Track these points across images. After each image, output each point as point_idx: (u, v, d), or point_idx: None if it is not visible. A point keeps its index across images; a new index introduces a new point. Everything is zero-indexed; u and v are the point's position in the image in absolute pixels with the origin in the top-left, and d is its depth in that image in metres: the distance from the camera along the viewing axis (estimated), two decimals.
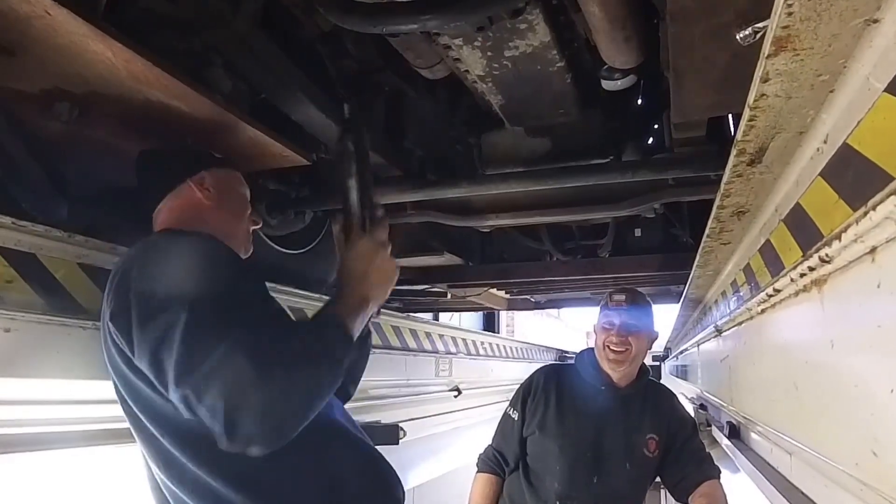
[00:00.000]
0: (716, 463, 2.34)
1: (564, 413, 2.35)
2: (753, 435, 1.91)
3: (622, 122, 2.36)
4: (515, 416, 2.39)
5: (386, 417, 2.58)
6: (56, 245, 1.59)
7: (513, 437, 2.38)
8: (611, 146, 2.37)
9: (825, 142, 0.96)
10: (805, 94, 0.88)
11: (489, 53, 1.98)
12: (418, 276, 3.41)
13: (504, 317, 9.83)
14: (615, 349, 2.28)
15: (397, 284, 3.56)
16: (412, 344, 2.89)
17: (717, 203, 1.36)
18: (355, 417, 2.69)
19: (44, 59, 1.51)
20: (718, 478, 2.27)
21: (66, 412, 1.57)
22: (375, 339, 2.75)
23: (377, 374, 2.62)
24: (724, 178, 1.24)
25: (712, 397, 1.90)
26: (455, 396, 3.32)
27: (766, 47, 0.78)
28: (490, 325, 9.15)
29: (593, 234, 3.26)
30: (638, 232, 3.12)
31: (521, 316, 8.90)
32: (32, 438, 1.51)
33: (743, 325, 1.39)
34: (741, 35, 0.97)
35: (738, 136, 1.04)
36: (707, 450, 2.39)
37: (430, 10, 1.64)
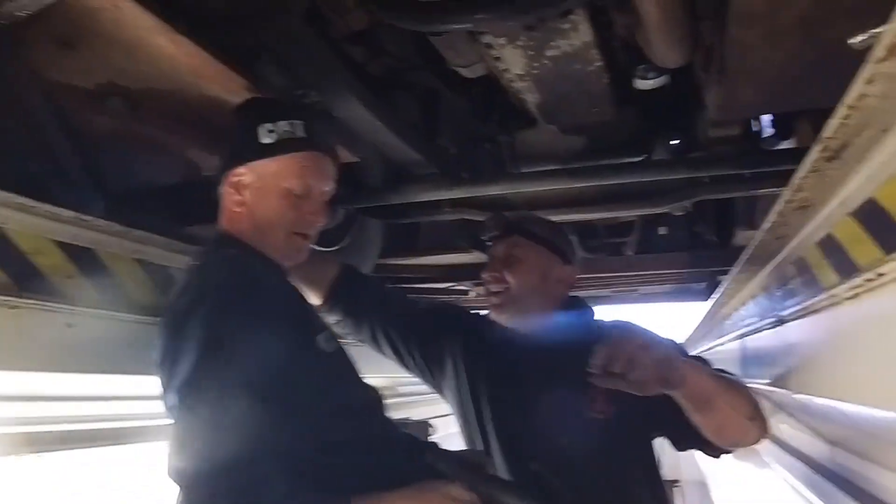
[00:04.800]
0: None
1: None
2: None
3: (654, 120, 2.39)
4: None
5: (415, 415, 2.60)
6: (114, 240, 1.59)
7: None
8: (642, 143, 2.40)
9: None
10: None
11: (531, 53, 2.00)
12: (445, 273, 3.43)
13: None
14: (492, 289, 1.77)
15: (422, 282, 3.61)
16: None
17: (785, 198, 1.38)
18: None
19: (103, 53, 1.51)
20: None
21: (127, 408, 1.57)
22: None
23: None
24: (800, 174, 1.26)
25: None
26: None
27: (878, 52, 0.81)
28: None
29: (618, 231, 3.29)
30: (663, 230, 3.16)
31: None
32: (97, 434, 1.51)
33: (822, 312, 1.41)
34: (856, 41, 1.00)
35: (828, 133, 1.06)
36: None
37: (484, 9, 1.66)
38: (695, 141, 2.29)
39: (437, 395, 2.00)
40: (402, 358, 1.94)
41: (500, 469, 1.69)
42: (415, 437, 1.52)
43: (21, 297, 1.32)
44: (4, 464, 1.39)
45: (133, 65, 1.56)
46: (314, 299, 1.81)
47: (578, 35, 1.92)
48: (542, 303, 1.78)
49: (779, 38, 1.42)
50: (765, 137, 2.23)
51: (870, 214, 1.18)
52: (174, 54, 1.51)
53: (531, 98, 2.25)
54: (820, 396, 1.50)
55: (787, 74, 1.56)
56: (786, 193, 1.36)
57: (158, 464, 1.16)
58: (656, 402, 1.38)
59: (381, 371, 2.54)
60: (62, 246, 1.47)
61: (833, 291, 1.29)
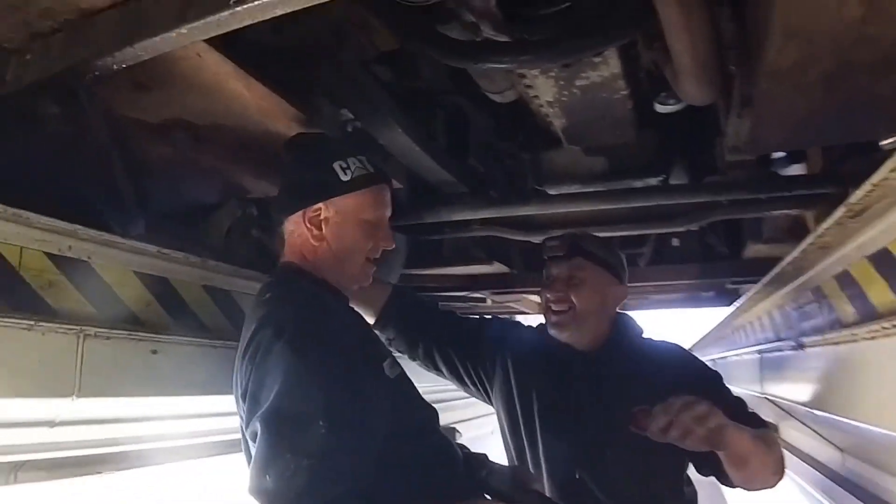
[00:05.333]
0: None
1: None
2: None
3: (672, 143, 2.52)
4: None
5: (441, 420, 2.71)
6: (184, 269, 1.69)
7: None
8: (661, 165, 2.52)
9: None
10: None
11: (561, 83, 2.11)
12: (464, 283, 3.54)
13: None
14: (556, 308, 1.86)
15: (443, 291, 3.71)
16: None
17: (808, 241, 1.52)
18: None
19: (175, 94, 1.60)
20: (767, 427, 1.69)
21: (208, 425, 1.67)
22: None
23: (440, 380, 2.74)
24: (824, 225, 1.40)
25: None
26: None
27: None
28: None
29: (633, 243, 3.41)
30: (676, 242, 3.29)
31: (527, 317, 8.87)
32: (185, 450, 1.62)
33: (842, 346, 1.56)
34: (886, 143, 1.14)
35: (852, 199, 1.21)
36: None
37: (530, 52, 1.75)
38: (712, 163, 2.42)
39: (461, 401, 2.11)
40: (458, 374, 2.05)
41: (547, 476, 1.81)
42: (470, 453, 1.64)
43: (112, 328, 1.42)
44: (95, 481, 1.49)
45: (203, 104, 1.65)
46: (367, 319, 1.91)
47: (608, 67, 2.04)
48: (599, 321, 1.89)
49: (804, 90, 1.54)
50: (776, 159, 2.36)
51: (883, 261, 1.33)
52: (246, 96, 1.61)
53: (558, 122, 2.36)
54: (837, 415, 1.65)
55: (809, 120, 1.68)
56: (809, 238, 1.50)
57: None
58: None
59: (417, 381, 2.66)
60: (140, 276, 1.57)
61: (854, 330, 1.43)
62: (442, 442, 1.58)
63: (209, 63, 1.47)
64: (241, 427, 1.40)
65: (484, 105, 2.50)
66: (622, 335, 1.91)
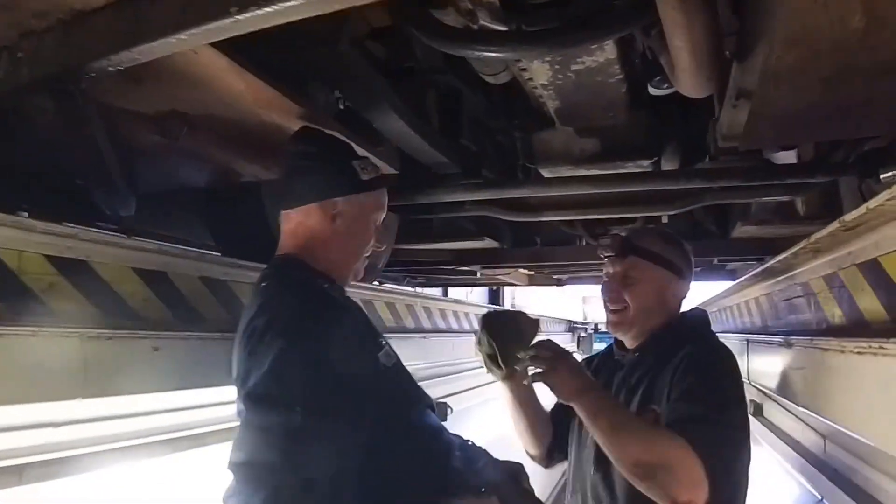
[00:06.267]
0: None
1: None
2: None
3: (665, 126, 2.52)
4: None
5: (433, 395, 2.76)
6: (182, 262, 1.69)
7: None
8: (653, 148, 2.53)
9: None
10: None
11: (556, 67, 2.10)
12: (455, 257, 3.56)
13: (507, 291, 9.72)
14: (611, 307, 1.84)
15: (431, 264, 3.73)
16: (455, 325, 3.07)
17: (800, 246, 1.56)
18: None
19: (169, 87, 1.58)
20: (688, 439, 1.43)
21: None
22: (427, 324, 2.92)
23: (427, 356, 2.79)
24: (818, 235, 1.43)
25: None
26: None
27: None
28: (495, 298, 9.19)
29: (623, 220, 3.43)
30: (665, 219, 3.30)
31: (522, 289, 8.84)
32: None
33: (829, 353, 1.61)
34: (886, 175, 1.17)
35: (848, 218, 1.23)
36: (710, 412, 1.50)
37: (526, 43, 1.73)
38: (703, 149, 2.43)
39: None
40: None
41: (575, 471, 1.85)
42: (467, 444, 1.67)
43: (111, 328, 1.43)
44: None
45: (196, 95, 1.62)
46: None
47: (604, 53, 2.03)
48: (659, 319, 1.82)
49: (802, 90, 1.55)
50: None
51: (873, 271, 1.36)
52: (242, 89, 1.58)
53: (551, 104, 2.35)
54: (821, 416, 1.71)
55: (805, 118, 1.70)
56: (801, 243, 1.53)
57: None
58: None
59: (404, 360, 2.70)
60: (137, 272, 1.57)
61: (844, 342, 1.48)
62: (436, 432, 1.62)
63: (204, 58, 1.45)
64: None
65: (477, 85, 2.48)
66: (672, 331, 1.80)
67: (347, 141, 1.75)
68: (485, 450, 1.67)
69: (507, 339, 1.66)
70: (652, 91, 2.36)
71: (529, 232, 3.64)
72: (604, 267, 1.89)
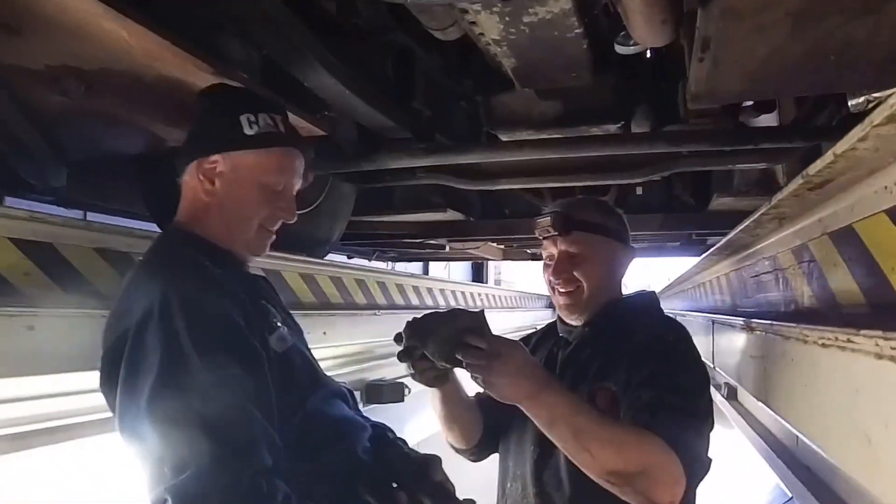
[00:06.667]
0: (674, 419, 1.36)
1: None
2: None
3: (633, 87, 2.33)
4: None
5: (391, 375, 2.63)
6: (74, 233, 1.54)
7: None
8: (621, 111, 2.34)
9: None
10: (892, 148, 0.88)
11: (507, 19, 1.91)
12: (420, 230, 3.39)
13: (492, 266, 9.57)
14: (562, 290, 1.67)
15: (396, 237, 3.58)
16: (415, 301, 2.91)
17: (762, 210, 1.37)
18: (361, 376, 2.76)
19: (51, 38, 1.42)
20: (661, 435, 1.32)
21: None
22: (381, 300, 2.77)
23: (382, 334, 2.64)
24: (780, 196, 1.24)
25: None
26: None
27: (877, 117, 0.77)
28: (479, 274, 9.00)
29: (595, 191, 3.23)
30: (639, 190, 3.11)
31: (508, 264, 8.65)
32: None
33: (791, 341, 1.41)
34: (852, 103, 0.98)
35: (811, 170, 1.05)
36: (672, 398, 1.39)
37: None
38: (674, 111, 2.24)
39: None
40: None
41: (514, 457, 1.68)
42: (384, 435, 1.53)
43: None
44: None
45: (85, 48, 1.47)
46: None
47: (557, 3, 1.84)
48: (611, 292, 1.70)
49: (766, 32, 1.37)
50: (745, 109, 2.17)
51: (847, 242, 1.17)
52: (124, 38, 1.42)
53: (507, 62, 2.16)
54: (780, 416, 1.52)
55: (772, 66, 1.51)
56: (762, 207, 1.34)
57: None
58: None
59: (354, 338, 2.56)
60: (17, 243, 1.43)
61: (806, 331, 1.29)
62: (340, 419, 1.46)
63: (71, 1, 1.28)
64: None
65: (431, 45, 2.31)
66: (624, 303, 1.72)
67: (274, 100, 1.57)
68: (401, 440, 1.53)
69: (436, 345, 1.37)
70: (618, 49, 2.17)
71: (497, 204, 3.45)
72: (543, 249, 1.72)
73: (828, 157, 0.98)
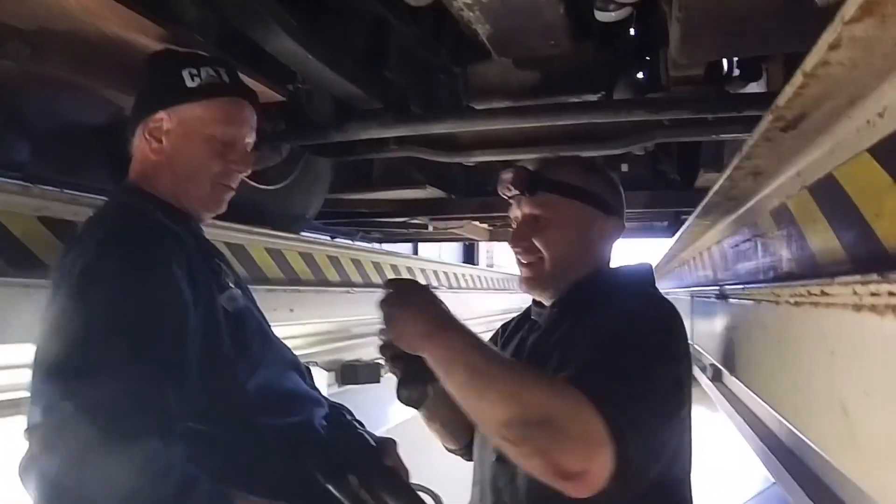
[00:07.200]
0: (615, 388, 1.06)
1: None
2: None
3: (615, 56, 2.24)
4: None
5: (366, 355, 2.56)
6: (13, 199, 1.47)
7: None
8: (602, 80, 2.25)
9: (881, 115, 0.84)
10: (874, 63, 0.77)
11: None
12: (400, 208, 3.31)
13: (483, 248, 9.39)
14: (523, 260, 1.44)
15: (377, 216, 3.49)
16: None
17: (734, 164, 1.28)
18: (336, 357, 2.69)
19: None
20: (583, 389, 1.02)
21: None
22: (356, 278, 2.70)
23: (359, 312, 2.57)
24: (751, 142, 1.15)
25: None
26: None
27: (848, 10, 0.65)
28: (469, 256, 8.90)
29: None
30: (625, 167, 3.00)
31: (500, 245, 8.45)
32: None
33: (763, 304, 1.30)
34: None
35: (781, 101, 0.93)
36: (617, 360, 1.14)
37: None
38: (657, 79, 2.15)
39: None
40: None
41: (477, 460, 1.49)
42: (339, 411, 1.47)
43: None
44: None
45: (20, 6, 1.40)
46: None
47: None
48: (584, 268, 1.42)
49: None
50: (731, 77, 2.08)
51: (827, 193, 1.07)
52: None
53: (482, 29, 2.08)
54: (752, 391, 1.43)
55: (749, 20, 1.43)
56: (735, 160, 1.25)
57: None
58: None
59: (327, 315, 2.49)
60: None
61: (777, 290, 1.19)
62: (294, 392, 1.39)
63: None
64: None
65: (404, 13, 2.23)
66: (602, 280, 1.43)
67: (220, 57, 1.50)
68: (358, 421, 1.47)
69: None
70: (598, 16, 2.08)
71: (481, 181, 3.34)
72: (510, 210, 1.47)
73: (797, 79, 0.85)
